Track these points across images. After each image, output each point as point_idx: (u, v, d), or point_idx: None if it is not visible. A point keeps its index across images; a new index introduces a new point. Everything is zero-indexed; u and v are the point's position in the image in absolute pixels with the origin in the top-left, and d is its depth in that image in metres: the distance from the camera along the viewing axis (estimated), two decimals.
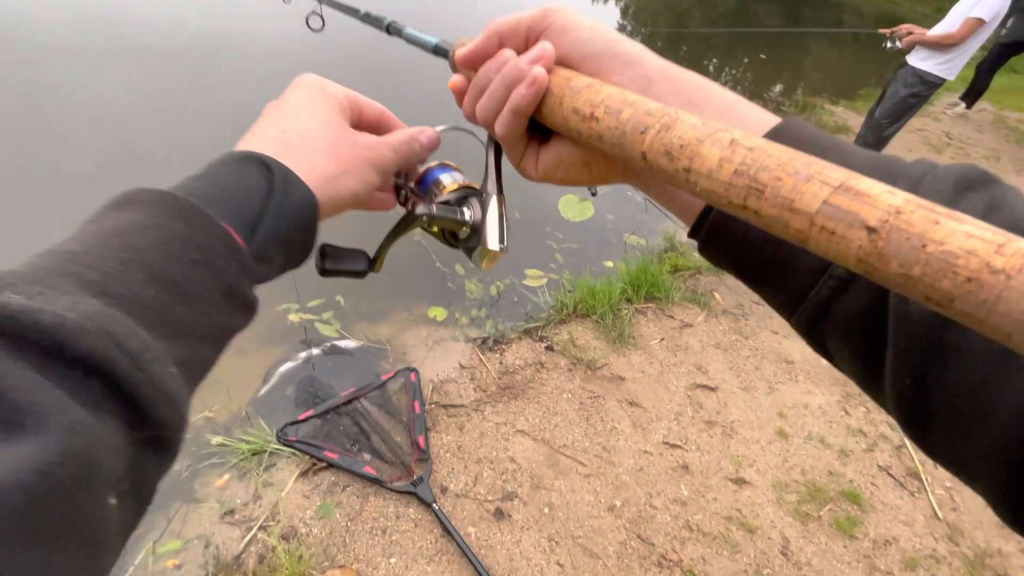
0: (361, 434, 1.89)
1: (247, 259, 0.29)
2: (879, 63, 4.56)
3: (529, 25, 0.36)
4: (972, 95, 6.60)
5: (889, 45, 3.58)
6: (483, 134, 0.42)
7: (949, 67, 3.45)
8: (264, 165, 0.31)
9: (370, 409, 1.99)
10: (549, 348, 2.28)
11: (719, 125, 0.25)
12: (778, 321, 2.65)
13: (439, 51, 0.48)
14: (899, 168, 0.27)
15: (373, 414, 1.97)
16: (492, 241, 0.40)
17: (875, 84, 4.06)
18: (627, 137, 0.28)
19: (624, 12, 10.40)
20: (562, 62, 0.35)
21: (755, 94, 6.77)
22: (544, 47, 0.34)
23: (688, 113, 0.27)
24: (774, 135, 0.30)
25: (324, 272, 0.40)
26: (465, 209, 0.42)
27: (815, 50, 10.44)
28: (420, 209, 0.40)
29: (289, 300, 2.36)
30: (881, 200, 0.19)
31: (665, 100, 0.31)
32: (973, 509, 1.91)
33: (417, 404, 1.98)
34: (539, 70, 0.33)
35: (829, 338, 0.29)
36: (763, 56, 8.02)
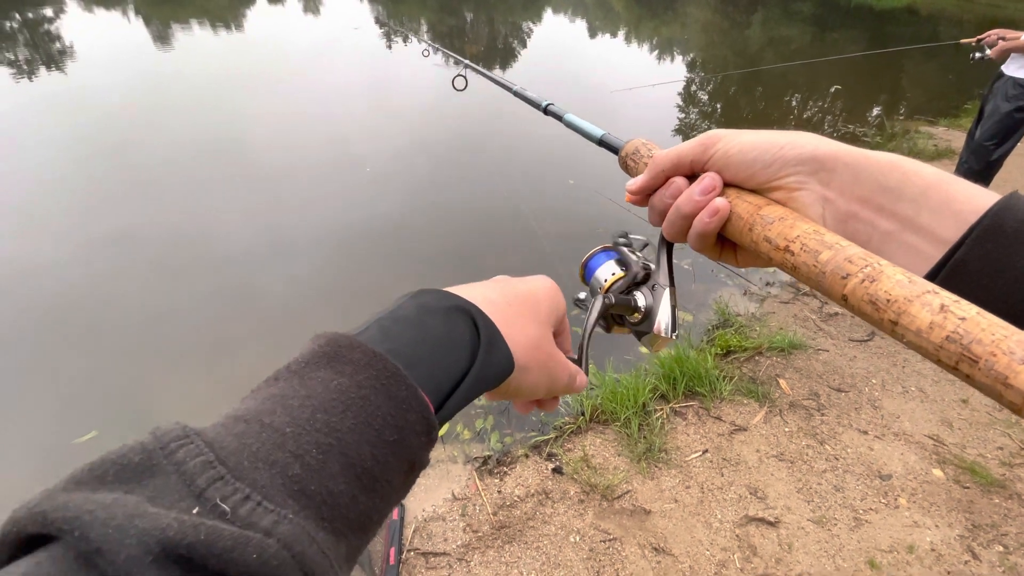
0: None
1: (435, 431, 0.27)
2: (982, 72, 3.90)
3: (692, 159, 0.39)
4: None
5: (977, 56, 2.98)
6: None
7: None
8: (471, 320, 0.31)
9: None
10: (557, 470, 1.90)
11: (927, 285, 0.27)
12: (867, 415, 2.07)
13: (605, 144, 0.54)
14: None
15: None
16: (665, 329, 0.44)
17: (979, 97, 3.41)
18: (826, 278, 0.30)
19: (691, 66, 10.16)
20: (735, 183, 0.38)
21: (844, 124, 6.11)
22: (713, 179, 0.38)
23: (892, 265, 0.28)
24: (996, 217, 0.29)
25: None
26: (638, 295, 0.46)
27: (909, 68, 9.45)
28: (602, 300, 0.44)
29: None
30: None
31: (851, 190, 0.33)
32: None
33: (392, 552, 1.68)
34: (719, 201, 0.37)
35: None
36: (838, 87, 7.32)
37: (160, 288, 3.02)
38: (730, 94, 7.57)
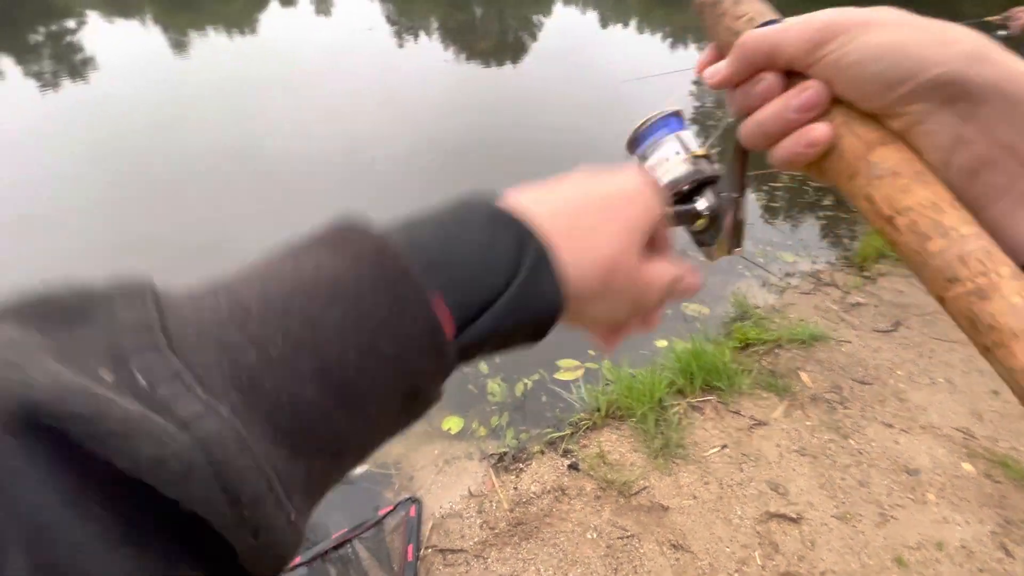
0: None
1: (450, 358, 0.22)
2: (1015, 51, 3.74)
3: (793, 56, 0.29)
4: None
5: (1003, 33, 2.87)
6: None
7: None
8: (518, 237, 0.25)
9: (362, 555, 1.73)
10: (573, 467, 1.89)
11: None
12: (893, 407, 2.01)
13: None
14: None
15: (364, 562, 1.72)
16: (731, 243, 0.39)
17: None
18: (927, 271, 0.26)
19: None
20: (846, 99, 0.29)
21: None
22: (818, 92, 0.28)
23: (1014, 278, 0.23)
24: None
25: None
26: (700, 202, 0.39)
27: None
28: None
29: None
30: None
31: (997, 132, 0.25)
32: None
33: (411, 549, 1.69)
34: (820, 128, 0.28)
35: None
36: None
37: None
38: None
